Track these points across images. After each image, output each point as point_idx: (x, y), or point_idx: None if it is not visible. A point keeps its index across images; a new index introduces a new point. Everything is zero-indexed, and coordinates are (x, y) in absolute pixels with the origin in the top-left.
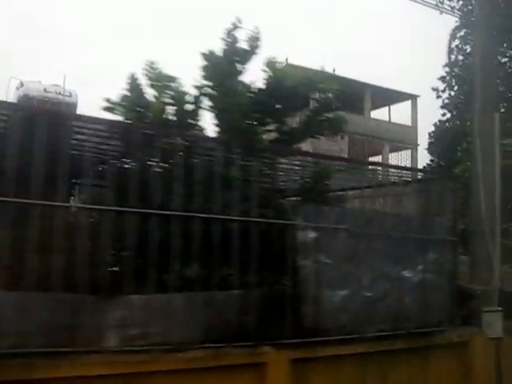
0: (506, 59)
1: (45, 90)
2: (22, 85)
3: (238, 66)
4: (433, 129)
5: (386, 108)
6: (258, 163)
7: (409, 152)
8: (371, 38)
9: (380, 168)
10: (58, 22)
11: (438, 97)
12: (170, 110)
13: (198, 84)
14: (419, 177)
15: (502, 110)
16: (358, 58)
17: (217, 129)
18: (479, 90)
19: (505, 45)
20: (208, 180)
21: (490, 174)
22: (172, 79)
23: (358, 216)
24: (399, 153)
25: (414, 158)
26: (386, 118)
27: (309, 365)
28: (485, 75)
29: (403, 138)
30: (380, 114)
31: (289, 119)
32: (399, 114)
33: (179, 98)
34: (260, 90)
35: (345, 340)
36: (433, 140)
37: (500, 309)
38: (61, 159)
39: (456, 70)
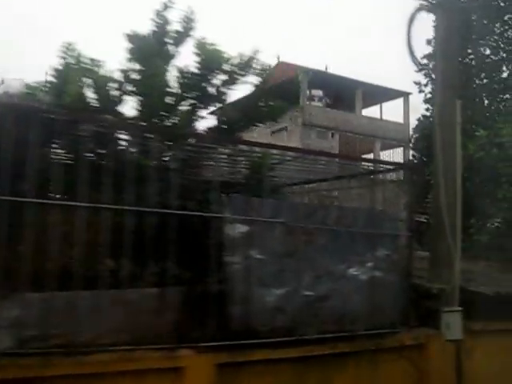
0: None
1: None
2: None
3: (170, 49)
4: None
5: (380, 106)
6: (181, 152)
7: (401, 150)
8: (371, 37)
9: (338, 160)
10: (57, 21)
11: (421, 91)
12: (92, 95)
13: (123, 67)
14: (380, 169)
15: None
16: (359, 57)
17: (140, 115)
18: (440, 75)
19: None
20: (120, 169)
21: (451, 166)
22: (94, 62)
23: (297, 209)
24: (391, 150)
25: (406, 156)
26: (378, 116)
27: (237, 370)
28: (446, 60)
29: (395, 136)
30: (372, 111)
31: (226, 106)
32: (393, 111)
33: (100, 83)
34: (192, 73)
35: (281, 343)
36: (418, 136)
37: (460, 309)
38: None
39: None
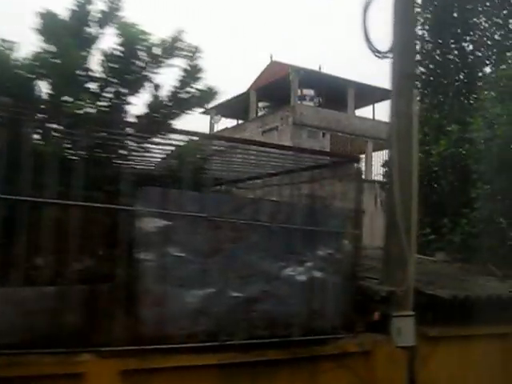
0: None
1: None
2: None
3: (93, 30)
4: None
5: (372, 106)
6: (90, 139)
7: None
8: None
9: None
10: None
11: None
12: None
13: (37, 49)
14: (327, 162)
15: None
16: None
17: (50, 99)
18: (396, 62)
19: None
20: (16, 156)
21: (407, 160)
22: (6, 44)
23: (225, 203)
24: (385, 151)
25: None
26: (371, 116)
27: (147, 377)
28: (402, 46)
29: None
30: (367, 111)
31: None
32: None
33: (10, 65)
34: (115, 56)
35: (200, 348)
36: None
37: (413, 313)
38: None
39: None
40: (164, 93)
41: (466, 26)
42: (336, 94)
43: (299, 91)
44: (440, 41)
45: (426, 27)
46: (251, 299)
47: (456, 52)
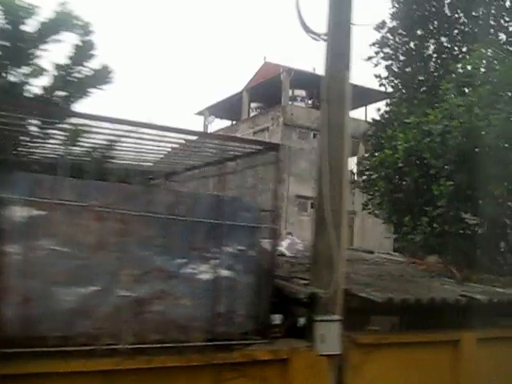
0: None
1: None
2: None
3: None
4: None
5: (365, 107)
6: None
7: None
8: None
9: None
10: None
11: (381, 85)
12: None
13: None
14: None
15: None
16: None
17: None
18: (330, 41)
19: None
20: None
21: (338, 149)
22: None
23: (113, 191)
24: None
25: None
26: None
27: None
28: (336, 26)
29: None
30: (358, 113)
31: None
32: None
33: None
34: None
35: (75, 352)
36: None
37: (339, 318)
38: None
39: (387, 50)
40: (57, 72)
41: (444, 20)
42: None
43: (291, 92)
44: (419, 34)
45: (397, 21)
46: (143, 299)
47: (433, 47)
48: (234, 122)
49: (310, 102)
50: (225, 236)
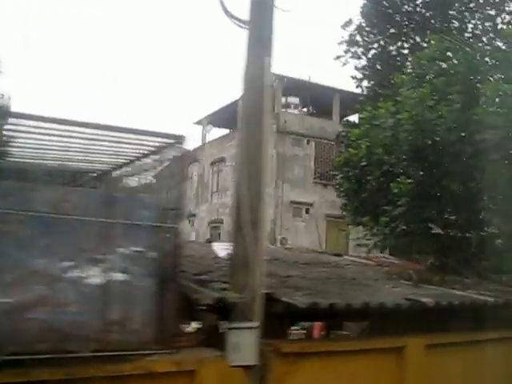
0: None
1: None
2: None
3: None
4: None
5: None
6: None
7: None
8: None
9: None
10: None
11: (358, 86)
12: None
13: None
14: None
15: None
16: None
17: None
18: (252, 26)
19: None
20: None
21: (257, 139)
22: None
23: None
24: None
25: None
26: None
27: None
28: (258, 12)
29: None
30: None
31: None
32: None
33: None
34: None
35: None
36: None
37: (255, 325)
38: None
39: (355, 49)
40: None
41: (419, 20)
42: (322, 101)
43: (284, 99)
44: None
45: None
46: (22, 306)
47: (405, 45)
48: (231, 130)
49: (304, 109)
50: (119, 236)
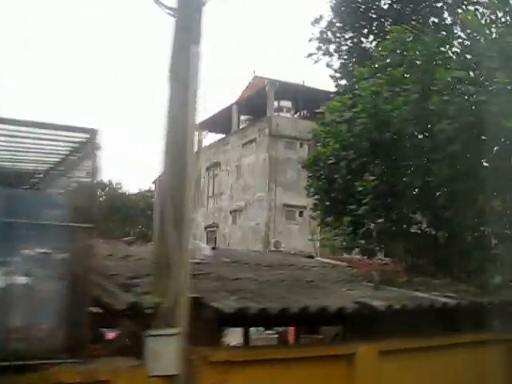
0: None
1: None
2: None
3: None
4: None
5: None
6: None
7: None
8: None
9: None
10: None
11: (337, 85)
12: None
13: None
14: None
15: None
16: None
17: None
18: (179, 14)
19: None
20: None
21: (182, 129)
22: None
23: None
24: None
25: None
26: None
27: None
28: (186, 2)
29: None
30: None
31: None
32: None
33: None
34: None
35: None
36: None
37: (176, 331)
38: None
39: (327, 46)
40: None
41: (394, 17)
42: (315, 105)
43: (276, 103)
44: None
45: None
46: None
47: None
48: (225, 135)
49: (297, 113)
50: (21, 237)
